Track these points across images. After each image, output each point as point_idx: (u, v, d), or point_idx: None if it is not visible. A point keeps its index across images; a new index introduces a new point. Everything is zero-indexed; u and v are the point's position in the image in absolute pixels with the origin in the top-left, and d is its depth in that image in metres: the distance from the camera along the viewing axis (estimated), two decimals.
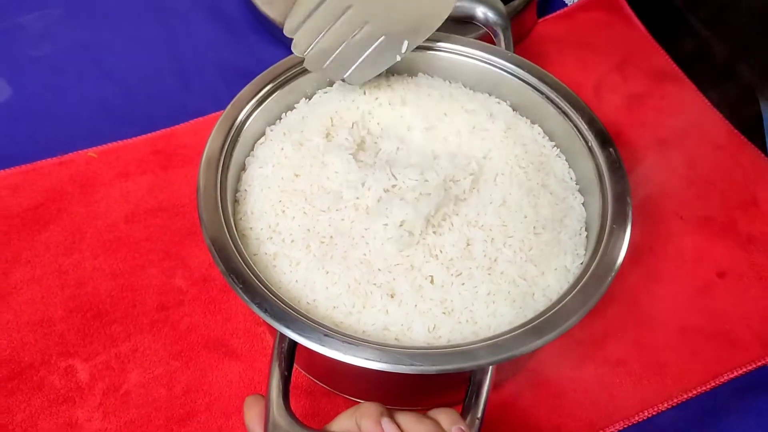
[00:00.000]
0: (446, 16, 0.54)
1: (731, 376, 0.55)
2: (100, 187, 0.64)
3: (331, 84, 0.57)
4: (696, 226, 0.63)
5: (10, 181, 0.63)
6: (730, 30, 0.71)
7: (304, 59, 0.53)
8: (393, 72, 0.57)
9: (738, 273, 0.61)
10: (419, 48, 0.56)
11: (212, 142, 0.51)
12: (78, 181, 0.64)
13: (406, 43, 0.53)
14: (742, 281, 0.60)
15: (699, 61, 0.74)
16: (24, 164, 0.64)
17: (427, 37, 0.54)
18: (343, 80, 0.53)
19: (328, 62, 0.52)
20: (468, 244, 0.48)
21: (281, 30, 0.72)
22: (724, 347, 0.57)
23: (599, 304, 0.45)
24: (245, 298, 0.43)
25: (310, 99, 0.57)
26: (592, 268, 0.46)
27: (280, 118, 0.56)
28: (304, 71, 0.56)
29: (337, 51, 0.52)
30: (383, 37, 0.52)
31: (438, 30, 0.56)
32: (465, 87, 0.59)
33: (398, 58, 0.53)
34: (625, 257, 0.47)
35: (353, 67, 0.52)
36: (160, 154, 0.66)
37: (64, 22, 0.77)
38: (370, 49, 0.52)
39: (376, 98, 0.55)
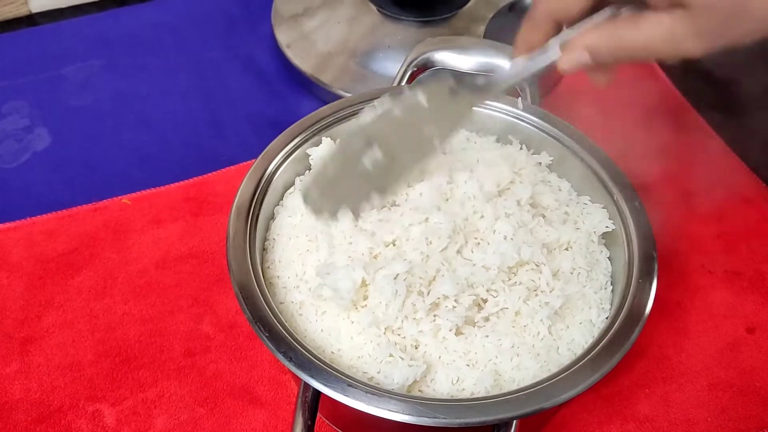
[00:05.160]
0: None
1: None
2: (133, 233, 0.65)
3: None
4: (724, 281, 0.62)
5: (47, 226, 0.65)
6: (759, 83, 0.71)
7: (332, 113, 0.55)
8: None
9: None
10: None
11: (243, 191, 0.52)
12: (111, 227, 0.65)
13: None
14: None
15: (726, 115, 0.74)
16: (60, 210, 0.66)
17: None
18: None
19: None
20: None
21: (312, 82, 0.75)
22: (754, 405, 0.55)
23: (626, 358, 0.45)
24: (271, 346, 0.44)
25: None
26: (618, 322, 0.46)
27: (309, 169, 0.57)
28: (334, 123, 0.57)
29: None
30: None
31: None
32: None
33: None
34: (651, 311, 0.47)
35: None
36: (192, 201, 0.67)
37: (105, 73, 0.79)
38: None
39: None
